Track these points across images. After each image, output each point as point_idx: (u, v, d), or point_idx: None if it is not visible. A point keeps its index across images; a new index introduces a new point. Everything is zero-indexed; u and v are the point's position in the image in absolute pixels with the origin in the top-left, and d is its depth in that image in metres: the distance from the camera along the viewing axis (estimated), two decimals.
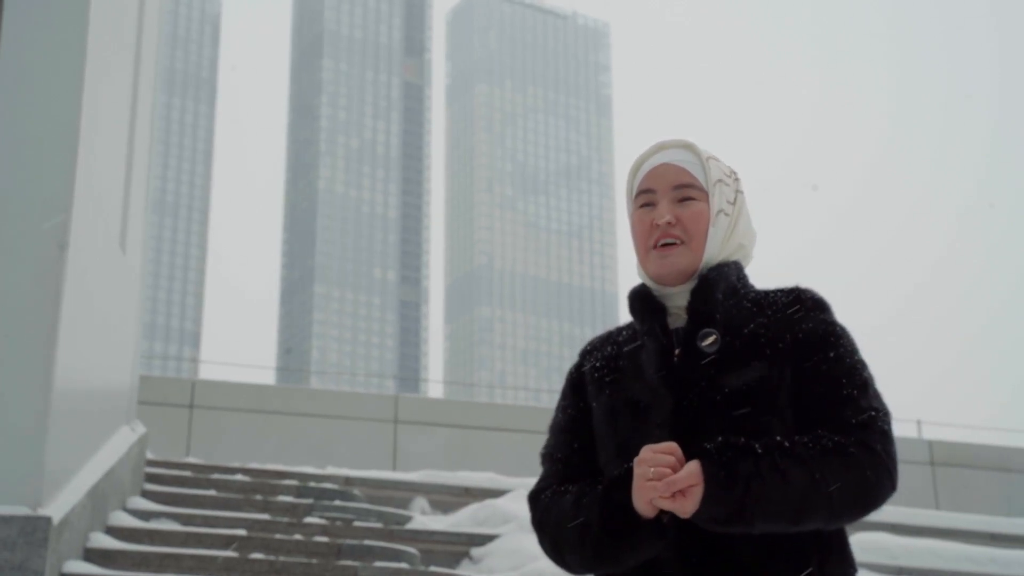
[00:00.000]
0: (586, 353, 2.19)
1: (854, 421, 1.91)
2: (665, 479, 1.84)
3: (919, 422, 15.94)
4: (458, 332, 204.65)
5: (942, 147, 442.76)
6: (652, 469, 1.85)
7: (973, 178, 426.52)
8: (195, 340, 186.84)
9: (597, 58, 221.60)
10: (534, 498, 2.10)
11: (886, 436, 1.92)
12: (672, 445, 1.87)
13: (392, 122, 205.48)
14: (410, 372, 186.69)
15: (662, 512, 1.88)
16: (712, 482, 1.83)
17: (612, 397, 2.05)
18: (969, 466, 14.86)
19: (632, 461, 1.90)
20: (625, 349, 2.10)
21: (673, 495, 1.84)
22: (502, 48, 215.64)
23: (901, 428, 16.65)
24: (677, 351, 2.00)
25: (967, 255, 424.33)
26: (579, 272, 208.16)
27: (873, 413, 1.93)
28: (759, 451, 1.85)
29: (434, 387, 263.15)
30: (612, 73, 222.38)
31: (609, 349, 2.14)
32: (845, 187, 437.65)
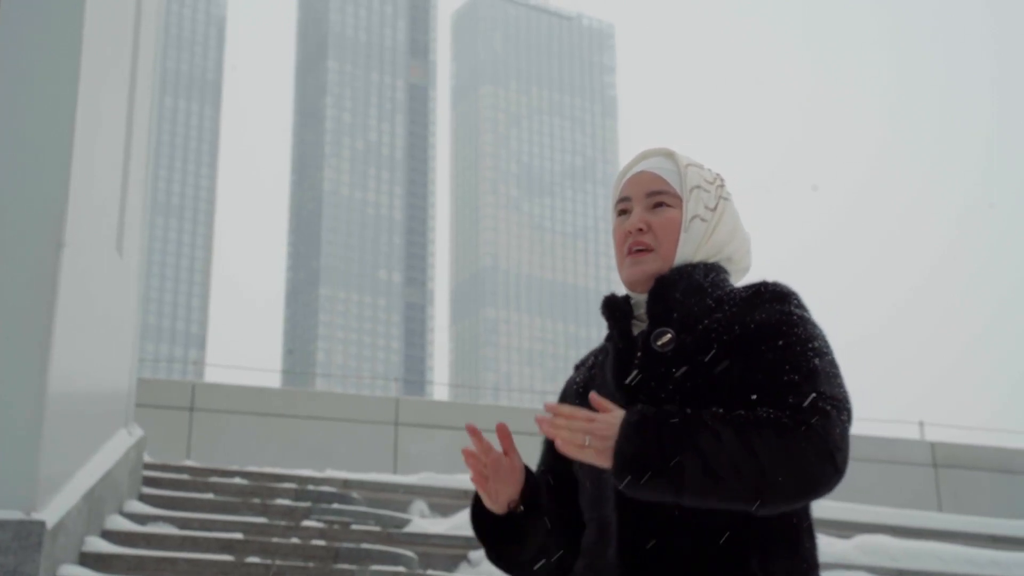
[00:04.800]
0: (576, 367, 2.21)
1: (791, 401, 1.82)
2: (565, 413, 1.84)
3: (921, 423, 15.88)
4: (463, 334, 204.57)
5: (942, 147, 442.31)
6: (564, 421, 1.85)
7: (973, 178, 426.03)
8: (200, 342, 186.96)
9: (602, 59, 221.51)
10: None
11: (827, 416, 1.80)
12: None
13: (397, 124, 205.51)
14: (415, 374, 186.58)
15: (514, 506, 2.03)
16: (628, 422, 1.79)
17: (582, 407, 2.01)
18: (971, 468, 14.80)
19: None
20: (600, 358, 2.12)
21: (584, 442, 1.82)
22: (507, 49, 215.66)
23: (903, 430, 16.61)
24: (640, 354, 1.99)
25: (967, 255, 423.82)
26: (584, 273, 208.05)
27: (815, 395, 1.83)
28: (688, 412, 1.80)
29: (439, 389, 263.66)
30: (617, 74, 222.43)
31: (592, 360, 2.16)
32: (845, 187, 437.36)
